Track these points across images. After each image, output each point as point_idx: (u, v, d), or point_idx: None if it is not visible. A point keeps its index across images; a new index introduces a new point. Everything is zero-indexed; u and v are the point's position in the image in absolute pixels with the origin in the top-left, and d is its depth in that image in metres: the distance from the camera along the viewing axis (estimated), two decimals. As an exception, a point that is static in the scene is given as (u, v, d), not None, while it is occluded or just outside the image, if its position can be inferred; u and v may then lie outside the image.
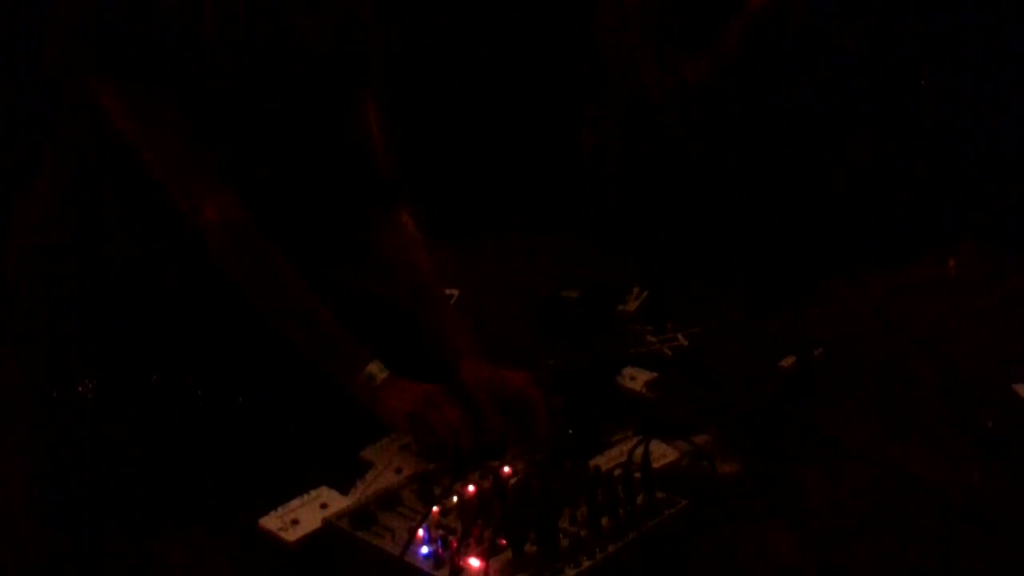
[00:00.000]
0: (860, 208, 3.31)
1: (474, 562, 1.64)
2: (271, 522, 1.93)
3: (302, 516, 1.93)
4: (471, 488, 1.81)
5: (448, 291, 2.77)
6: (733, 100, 3.26)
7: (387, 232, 2.32)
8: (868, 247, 3.16)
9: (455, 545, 1.67)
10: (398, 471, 2.01)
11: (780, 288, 2.93)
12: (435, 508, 1.76)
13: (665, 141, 3.33)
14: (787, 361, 2.44)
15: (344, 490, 1.99)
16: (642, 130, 3.35)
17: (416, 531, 1.70)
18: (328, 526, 1.84)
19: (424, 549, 1.69)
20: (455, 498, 1.79)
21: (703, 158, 3.31)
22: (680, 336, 2.59)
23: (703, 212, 3.29)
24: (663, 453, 2.03)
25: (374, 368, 2.05)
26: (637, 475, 1.76)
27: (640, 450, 1.76)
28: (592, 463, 1.89)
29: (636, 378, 2.39)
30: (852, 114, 3.38)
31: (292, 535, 1.90)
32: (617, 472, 1.76)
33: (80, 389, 2.11)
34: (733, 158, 3.29)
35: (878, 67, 3.42)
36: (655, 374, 2.40)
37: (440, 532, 1.71)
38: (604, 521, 1.71)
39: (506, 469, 1.85)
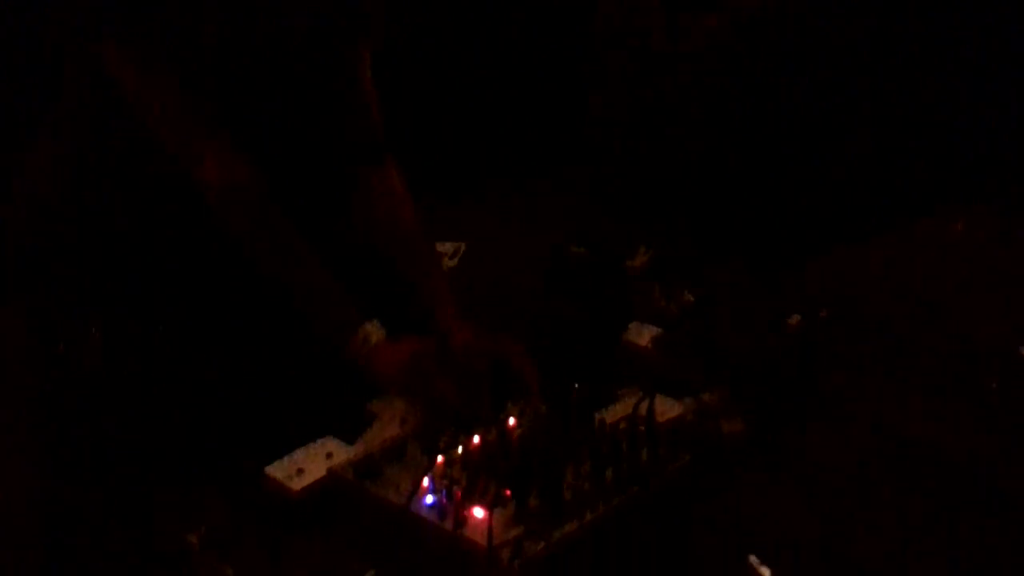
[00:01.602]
0: (868, 170, 3.30)
1: (478, 513, 1.65)
2: (277, 471, 1.94)
3: (307, 465, 1.94)
4: (476, 440, 1.81)
5: (455, 244, 2.77)
6: (741, 63, 3.25)
7: (377, 192, 2.31)
8: (875, 209, 3.15)
9: (459, 496, 1.67)
10: (403, 422, 2.01)
11: (787, 249, 2.93)
12: (440, 459, 1.77)
13: (670, 105, 3.32)
14: (793, 320, 2.44)
15: (350, 440, 2.00)
16: (647, 93, 3.34)
17: (421, 482, 1.71)
18: (333, 476, 1.84)
19: (428, 499, 1.70)
20: (460, 449, 1.79)
21: (709, 120, 3.30)
22: (687, 293, 2.59)
23: (709, 174, 3.28)
24: (668, 409, 2.03)
25: (370, 329, 2.03)
26: (641, 430, 1.76)
27: (645, 405, 1.76)
28: (597, 418, 1.89)
29: (642, 334, 2.39)
30: (860, 76, 3.36)
31: (297, 484, 1.91)
32: (622, 427, 1.76)
33: (86, 341, 2.11)
34: (739, 121, 3.28)
35: (887, 28, 3.41)
36: (661, 331, 2.40)
37: (444, 483, 1.71)
38: (608, 475, 1.71)
39: (511, 421, 1.85)
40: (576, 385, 2.03)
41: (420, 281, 2.22)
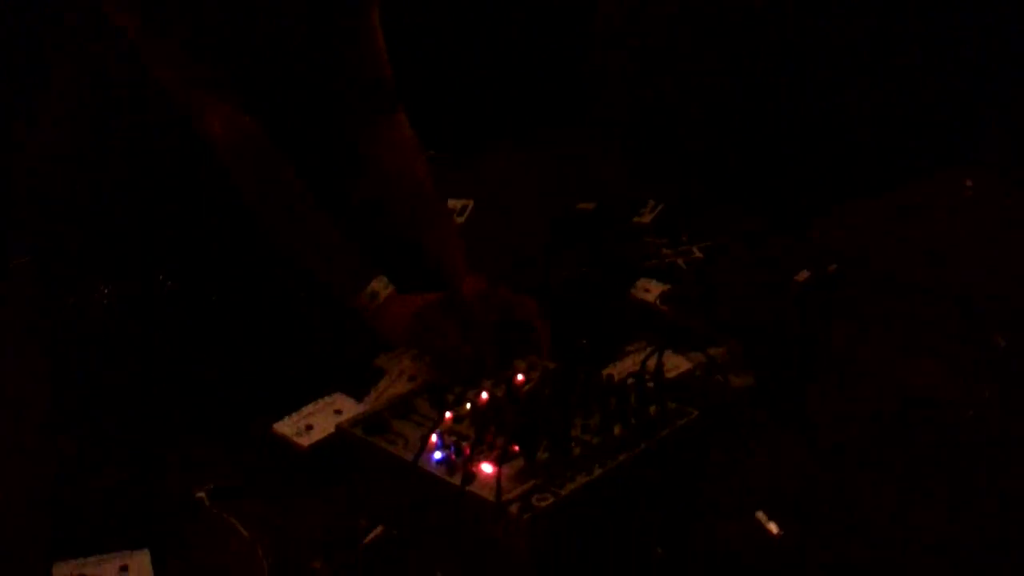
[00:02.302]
0: (877, 126, 3.29)
1: (486, 468, 1.65)
2: (285, 427, 1.95)
3: (316, 422, 1.94)
4: (484, 395, 1.81)
5: (463, 202, 2.76)
6: (749, 16, 3.23)
7: (388, 142, 2.30)
8: (884, 165, 3.14)
9: (467, 451, 1.67)
10: (412, 378, 2.01)
11: (795, 204, 2.92)
12: (448, 415, 1.77)
13: (678, 57, 3.31)
14: (801, 276, 2.44)
15: (358, 397, 2.00)
16: (654, 46, 3.32)
17: (429, 437, 1.71)
18: (341, 432, 1.84)
19: (437, 455, 1.70)
20: (468, 405, 1.79)
21: (716, 75, 3.28)
22: (695, 249, 2.59)
23: (717, 129, 3.27)
24: (676, 364, 2.03)
25: (378, 285, 2.03)
26: (650, 385, 1.76)
27: (653, 360, 1.76)
28: (605, 373, 1.89)
29: (650, 290, 2.39)
30: (870, 32, 3.35)
31: (306, 440, 1.92)
32: (630, 381, 1.76)
33: (95, 297, 2.11)
34: (748, 75, 3.27)
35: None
36: (669, 286, 2.40)
37: (453, 439, 1.71)
38: (616, 430, 1.71)
39: (519, 377, 1.85)
40: (584, 340, 2.03)
41: (430, 232, 2.22)
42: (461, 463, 1.66)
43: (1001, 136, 3.27)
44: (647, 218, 2.75)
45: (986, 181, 2.94)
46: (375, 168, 2.28)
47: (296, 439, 1.92)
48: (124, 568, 1.70)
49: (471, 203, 2.81)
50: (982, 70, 3.41)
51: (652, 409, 1.75)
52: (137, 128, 2.13)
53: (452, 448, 1.70)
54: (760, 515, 1.72)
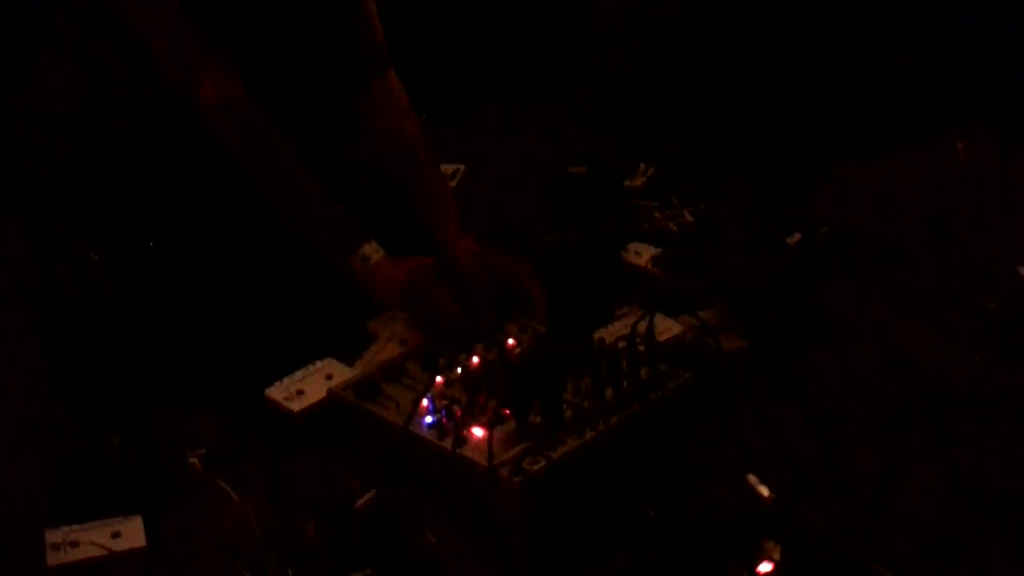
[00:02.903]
0: (869, 89, 3.28)
1: (477, 432, 1.65)
2: (277, 392, 1.95)
3: (307, 387, 1.94)
4: (475, 359, 1.81)
5: (454, 166, 2.75)
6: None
7: (380, 103, 2.29)
8: (877, 129, 3.13)
9: (459, 415, 1.67)
10: (403, 342, 2.01)
11: (788, 167, 2.91)
12: (439, 379, 1.77)
13: (674, 22, 3.29)
14: (792, 239, 2.43)
15: (349, 361, 2.00)
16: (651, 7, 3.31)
17: (420, 401, 1.71)
18: (333, 396, 1.85)
19: (428, 419, 1.70)
20: (459, 369, 1.79)
21: (711, 39, 3.27)
22: (686, 213, 2.59)
23: (712, 93, 3.26)
24: (668, 328, 2.03)
25: (368, 249, 2.03)
26: (641, 348, 1.76)
27: (644, 324, 1.76)
28: (596, 336, 1.89)
29: (641, 253, 2.39)
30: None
31: (297, 405, 1.92)
32: (621, 345, 1.76)
33: (86, 261, 2.11)
34: (742, 38, 3.25)
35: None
36: (660, 250, 2.39)
37: (444, 403, 1.72)
38: (607, 393, 1.71)
39: (510, 341, 1.85)
40: (576, 304, 2.03)
41: (423, 194, 2.22)
42: (452, 427, 1.66)
43: (996, 98, 3.26)
44: (639, 182, 2.74)
45: (980, 144, 2.93)
46: (367, 130, 2.28)
47: (288, 404, 1.92)
48: (117, 534, 1.70)
49: (462, 167, 2.80)
50: (976, 32, 3.40)
51: (643, 372, 1.75)
52: (130, 94, 2.12)
53: (443, 412, 1.70)
54: (751, 478, 1.73)
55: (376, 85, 2.28)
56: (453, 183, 2.77)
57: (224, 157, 2.06)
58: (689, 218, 2.57)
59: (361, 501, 1.74)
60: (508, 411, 1.67)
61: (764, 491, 1.71)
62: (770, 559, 1.57)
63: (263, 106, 2.08)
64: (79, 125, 2.14)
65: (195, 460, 1.85)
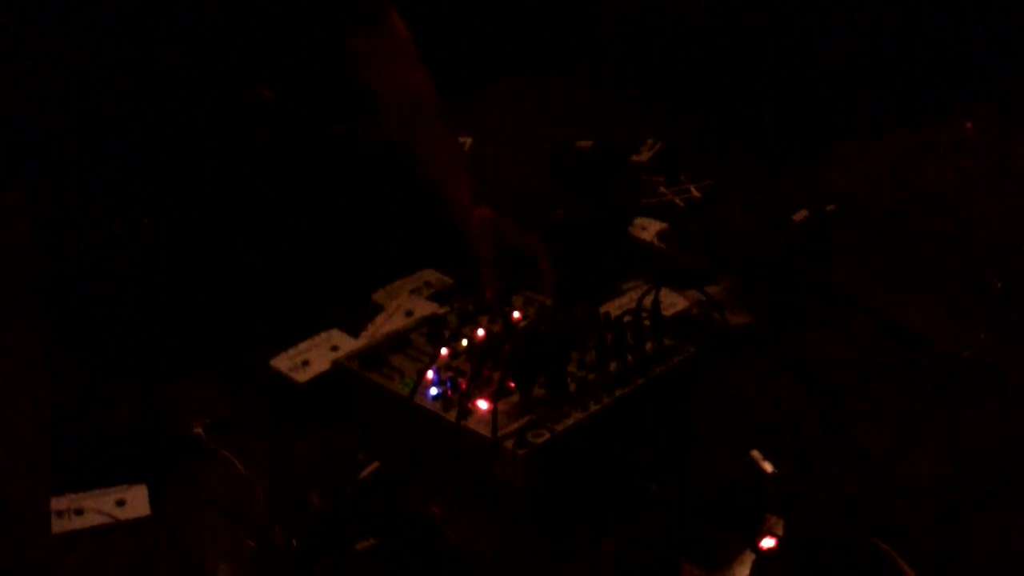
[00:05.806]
0: (877, 67, 3.27)
1: (482, 404, 1.65)
2: (282, 363, 1.95)
3: (312, 357, 1.94)
4: (480, 331, 1.81)
5: (462, 138, 2.75)
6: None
7: (378, 52, 2.27)
8: (885, 106, 3.13)
9: (464, 387, 1.68)
10: (408, 314, 2.02)
11: (794, 143, 2.91)
12: (444, 350, 1.77)
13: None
14: (799, 215, 2.43)
15: (354, 332, 2.00)
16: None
17: (425, 373, 1.71)
18: (338, 367, 1.85)
19: (433, 391, 1.70)
20: (464, 341, 1.79)
21: (719, 15, 3.27)
22: (693, 188, 2.58)
23: (720, 68, 3.26)
24: (673, 302, 2.03)
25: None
26: (647, 322, 1.76)
27: (650, 297, 1.76)
28: (602, 310, 1.89)
29: (648, 228, 2.39)
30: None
31: (302, 376, 1.92)
32: (626, 319, 1.76)
33: (88, 234, 2.11)
34: (750, 14, 3.25)
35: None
36: (667, 225, 2.39)
37: (449, 374, 1.72)
38: (612, 366, 1.71)
39: (516, 313, 1.85)
40: (581, 278, 2.03)
41: (434, 159, 2.20)
42: (457, 399, 1.66)
43: (1002, 78, 3.25)
44: (645, 156, 2.74)
45: (987, 123, 2.92)
46: (368, 79, 2.26)
47: (293, 375, 1.92)
48: (121, 502, 1.71)
49: (470, 140, 2.80)
50: (985, 10, 3.39)
51: (648, 346, 1.75)
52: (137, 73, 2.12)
53: (448, 384, 1.70)
54: (755, 454, 1.73)
55: (370, 33, 2.26)
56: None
57: (228, 129, 2.06)
58: (696, 193, 2.57)
59: (366, 472, 1.74)
60: (513, 383, 1.67)
61: (768, 467, 1.71)
62: (773, 534, 1.57)
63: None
64: (78, 102, 2.14)
65: (200, 430, 1.86)
